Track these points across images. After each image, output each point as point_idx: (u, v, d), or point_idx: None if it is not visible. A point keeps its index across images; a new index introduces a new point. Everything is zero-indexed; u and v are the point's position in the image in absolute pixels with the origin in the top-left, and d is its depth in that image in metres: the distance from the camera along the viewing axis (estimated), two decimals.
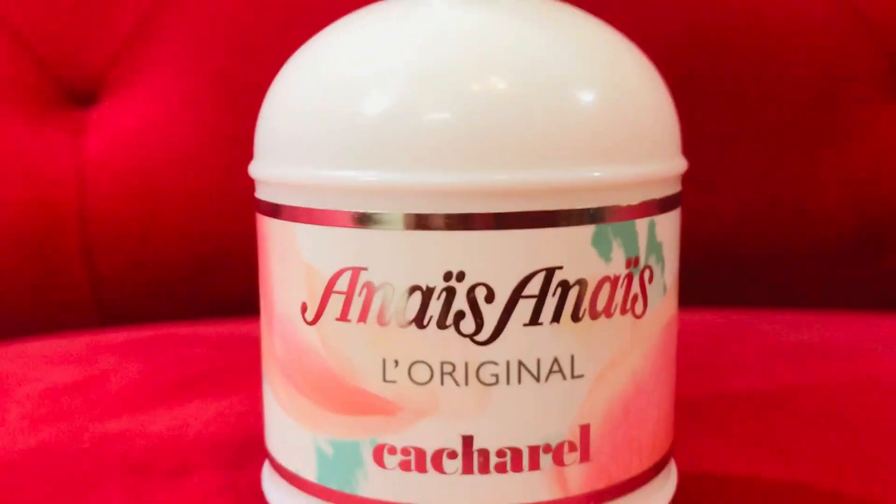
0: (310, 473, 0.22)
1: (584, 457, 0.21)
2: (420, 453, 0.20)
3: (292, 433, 0.22)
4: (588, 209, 0.20)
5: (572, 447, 0.21)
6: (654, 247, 0.21)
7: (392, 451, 0.21)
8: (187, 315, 0.51)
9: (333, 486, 0.21)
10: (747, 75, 0.49)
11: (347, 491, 0.21)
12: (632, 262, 0.21)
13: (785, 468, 0.28)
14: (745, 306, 0.48)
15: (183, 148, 0.51)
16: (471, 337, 0.20)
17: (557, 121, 0.20)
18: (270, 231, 0.22)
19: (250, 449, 0.31)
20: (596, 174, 0.20)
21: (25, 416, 0.35)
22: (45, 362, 0.42)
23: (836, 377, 0.37)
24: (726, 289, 0.50)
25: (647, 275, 0.21)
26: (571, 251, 0.20)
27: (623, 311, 0.21)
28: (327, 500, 0.22)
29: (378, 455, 0.21)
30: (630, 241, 0.21)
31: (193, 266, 0.52)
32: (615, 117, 0.20)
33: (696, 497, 0.26)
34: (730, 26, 0.49)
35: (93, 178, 0.51)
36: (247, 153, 0.51)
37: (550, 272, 0.20)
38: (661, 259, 0.22)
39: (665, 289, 0.22)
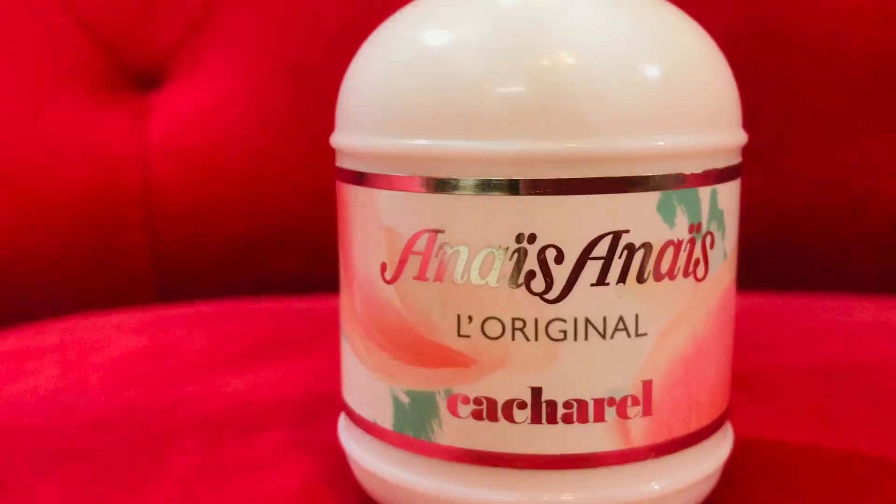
0: (386, 422, 0.23)
1: (647, 411, 0.22)
2: (492, 403, 0.22)
3: (370, 385, 0.23)
4: (654, 176, 0.21)
5: (635, 401, 0.22)
6: (716, 214, 0.22)
7: (465, 400, 0.22)
8: (243, 292, 0.53)
9: (409, 433, 0.23)
10: (807, 60, 0.49)
11: (422, 438, 0.22)
12: (694, 228, 0.22)
13: (839, 438, 0.29)
14: (799, 290, 0.49)
15: (243, 129, 0.53)
16: (540, 295, 0.21)
17: (627, 92, 0.21)
18: (352, 197, 0.23)
19: (319, 408, 0.32)
20: (661, 143, 0.21)
21: (105, 379, 0.37)
22: (118, 332, 0.44)
23: (891, 356, 0.37)
24: (782, 272, 0.51)
25: (708, 240, 0.22)
26: (637, 216, 0.21)
27: (685, 274, 0.22)
28: (402, 446, 0.23)
29: (452, 404, 0.22)
30: (693, 208, 0.22)
31: (251, 244, 0.54)
32: (681, 90, 0.21)
33: (753, 460, 0.27)
34: (792, 11, 0.49)
35: (156, 159, 0.53)
36: (305, 134, 0.53)
37: (617, 235, 0.21)
38: (722, 226, 0.23)
39: (725, 255, 0.23)
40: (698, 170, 0.22)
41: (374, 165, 0.23)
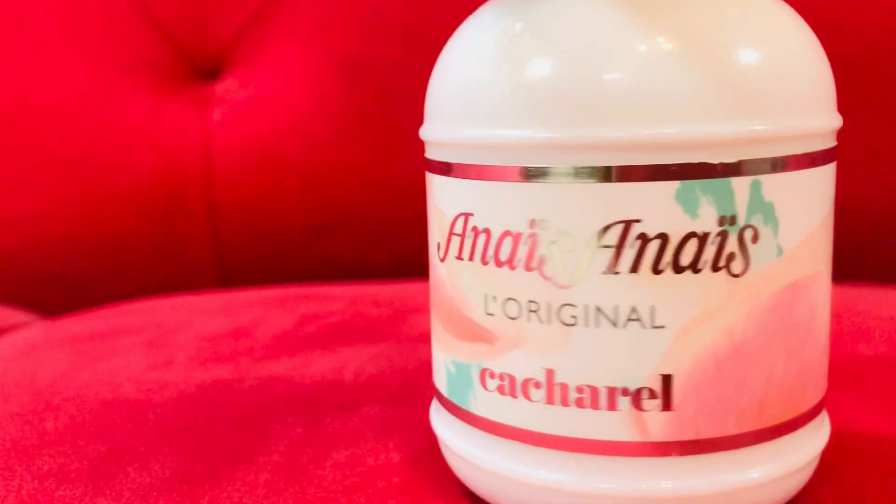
0: (444, 389, 0.25)
1: (666, 406, 0.22)
2: (512, 380, 0.23)
3: (436, 354, 0.26)
4: (670, 165, 0.21)
5: (652, 394, 0.22)
6: (761, 206, 0.22)
7: (492, 375, 0.23)
8: (302, 279, 0.54)
9: (456, 400, 0.25)
10: (851, 50, 0.49)
11: (464, 406, 0.24)
12: (727, 220, 0.21)
13: None
14: (871, 281, 0.49)
15: (302, 119, 0.54)
16: (550, 280, 0.22)
17: (637, 79, 0.21)
18: (426, 183, 0.26)
19: (411, 387, 0.33)
20: (668, 131, 0.21)
21: (192, 357, 0.38)
22: (196, 313, 0.46)
23: None
24: (869, 263, 0.51)
25: (748, 234, 0.22)
26: (651, 205, 0.21)
27: (715, 268, 0.22)
28: (452, 412, 0.25)
29: (482, 377, 0.24)
30: (724, 199, 0.21)
31: (310, 232, 0.55)
32: (701, 73, 0.21)
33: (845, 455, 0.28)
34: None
35: (217, 149, 0.54)
36: (363, 123, 0.54)
37: (628, 224, 0.21)
38: (772, 220, 0.22)
39: (781, 251, 0.22)
40: (729, 159, 0.21)
41: (429, 152, 0.25)
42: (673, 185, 0.21)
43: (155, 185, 0.54)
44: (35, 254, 0.55)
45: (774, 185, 0.22)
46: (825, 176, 0.23)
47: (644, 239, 0.21)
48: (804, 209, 0.22)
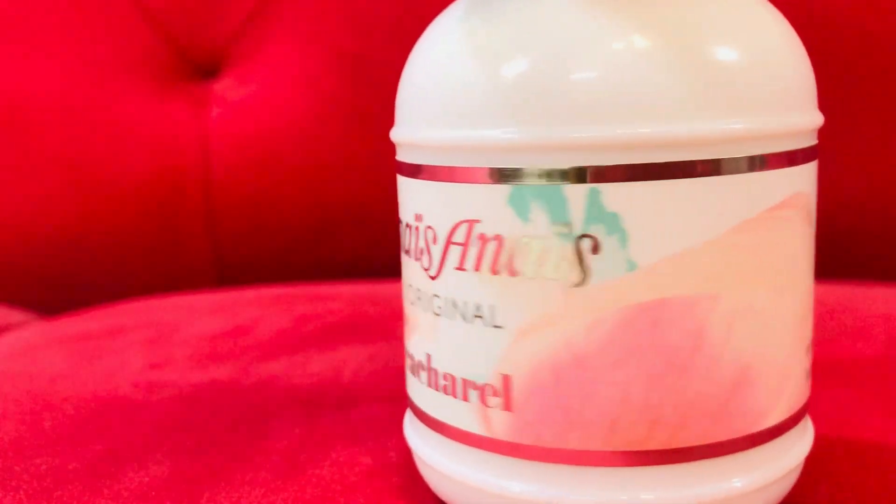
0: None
1: (507, 406, 0.22)
2: (413, 360, 0.25)
3: None
4: (501, 169, 0.21)
5: (495, 392, 0.22)
6: (602, 217, 0.21)
7: (407, 356, 0.26)
8: (300, 278, 0.54)
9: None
10: (857, 51, 0.50)
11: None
12: (560, 228, 0.21)
13: None
14: (868, 279, 0.49)
15: (301, 119, 0.54)
16: (426, 271, 0.23)
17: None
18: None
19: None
20: (489, 132, 0.21)
21: (190, 356, 0.38)
22: (193, 313, 0.46)
23: None
24: (851, 262, 0.51)
25: (587, 244, 0.21)
26: (489, 207, 0.22)
27: (549, 275, 0.21)
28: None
29: (405, 360, 0.26)
30: (556, 206, 0.21)
31: (309, 232, 0.55)
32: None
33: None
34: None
35: (215, 148, 0.54)
36: (362, 122, 0.54)
37: (471, 224, 0.22)
38: (619, 231, 0.21)
39: (634, 266, 0.21)
40: (559, 166, 0.21)
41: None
42: (506, 189, 0.21)
43: (153, 184, 0.54)
44: (32, 253, 0.55)
45: (625, 195, 0.21)
46: (716, 187, 0.21)
47: (483, 239, 0.22)
48: (674, 223, 0.21)
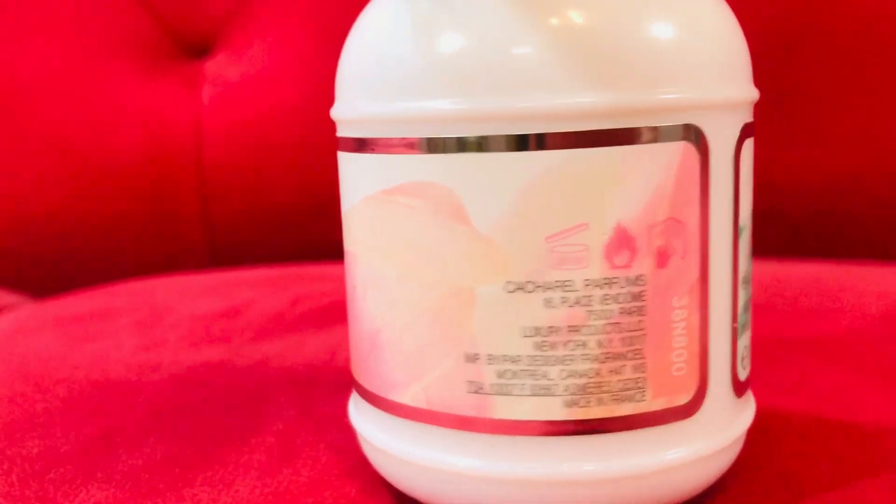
0: None
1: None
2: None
3: None
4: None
5: None
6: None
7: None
8: (293, 259, 0.54)
9: None
10: (855, 35, 0.49)
11: None
12: None
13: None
14: (846, 259, 0.49)
15: (294, 98, 0.54)
16: None
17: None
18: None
19: None
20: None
21: (184, 338, 0.38)
22: (186, 294, 0.45)
23: None
24: (826, 242, 0.51)
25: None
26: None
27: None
28: None
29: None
30: None
31: (303, 213, 0.54)
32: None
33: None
34: None
35: (207, 127, 0.54)
36: None
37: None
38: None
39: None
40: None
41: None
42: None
43: (145, 165, 0.54)
44: (24, 235, 0.54)
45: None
46: (365, 162, 0.23)
47: None
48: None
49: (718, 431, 0.23)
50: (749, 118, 0.23)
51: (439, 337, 0.22)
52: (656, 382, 0.22)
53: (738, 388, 0.24)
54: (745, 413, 0.24)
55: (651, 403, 0.22)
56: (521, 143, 0.21)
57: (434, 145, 0.21)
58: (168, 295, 0.46)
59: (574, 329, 0.21)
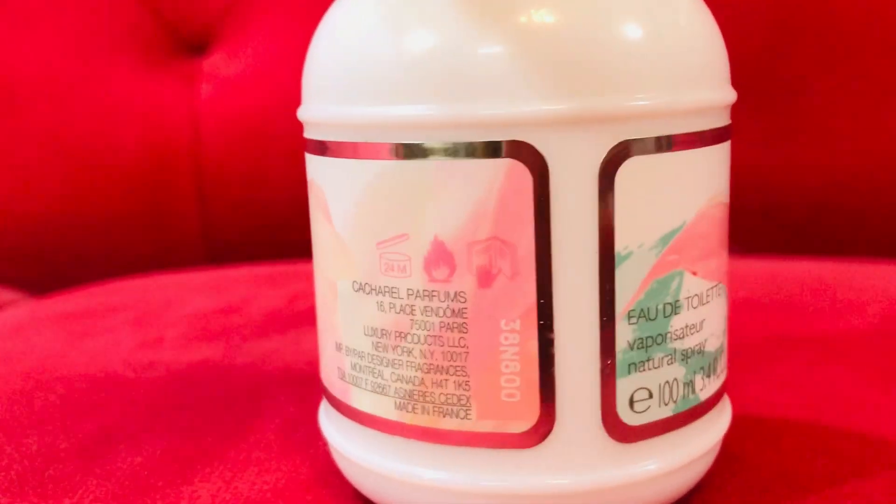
0: None
1: None
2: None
3: None
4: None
5: None
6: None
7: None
8: (290, 256, 0.54)
9: None
10: (851, 32, 0.49)
11: None
12: None
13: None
14: (845, 256, 0.49)
15: (291, 95, 0.53)
16: None
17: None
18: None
19: None
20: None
21: (182, 335, 0.38)
22: (184, 291, 0.45)
23: None
24: (824, 239, 0.51)
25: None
26: None
27: None
28: None
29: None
30: None
31: (300, 209, 0.54)
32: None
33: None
34: None
35: (205, 124, 0.54)
36: None
37: None
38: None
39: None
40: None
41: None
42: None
43: (142, 162, 0.54)
44: (22, 232, 0.54)
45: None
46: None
47: None
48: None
49: (575, 472, 0.21)
50: (636, 135, 0.20)
51: (324, 326, 0.24)
52: (482, 404, 0.21)
53: (621, 432, 0.21)
54: (635, 464, 0.22)
55: (477, 424, 0.21)
56: (362, 150, 0.21)
57: (314, 147, 0.22)
58: (166, 292, 0.46)
59: (400, 335, 0.21)
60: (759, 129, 0.50)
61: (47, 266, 0.55)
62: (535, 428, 0.21)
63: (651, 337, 0.21)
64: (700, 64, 0.21)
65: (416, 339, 0.21)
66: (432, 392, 0.21)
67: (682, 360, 0.22)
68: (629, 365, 0.21)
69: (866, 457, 0.26)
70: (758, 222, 0.51)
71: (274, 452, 0.27)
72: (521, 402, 0.21)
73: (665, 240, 0.21)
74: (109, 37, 0.54)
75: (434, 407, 0.21)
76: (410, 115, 0.20)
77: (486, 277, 0.20)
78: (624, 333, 0.21)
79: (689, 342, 0.22)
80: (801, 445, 0.26)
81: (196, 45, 0.55)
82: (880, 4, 0.49)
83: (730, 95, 0.22)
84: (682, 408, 0.22)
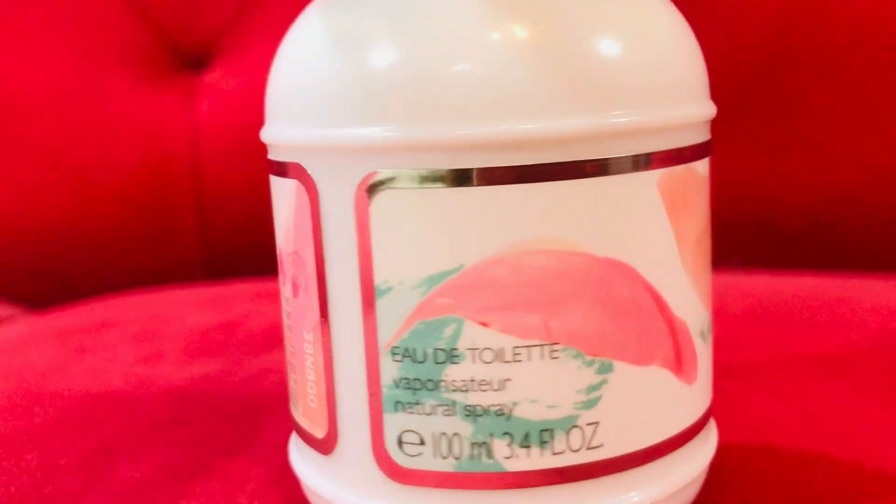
0: None
1: None
2: None
3: None
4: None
5: None
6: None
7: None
8: None
9: None
10: (850, 46, 0.50)
11: None
12: None
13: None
14: (843, 271, 0.49)
15: None
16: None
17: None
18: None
19: None
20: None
21: (181, 350, 0.38)
22: (184, 306, 0.45)
23: None
24: (822, 254, 0.52)
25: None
26: None
27: None
28: None
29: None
30: None
31: None
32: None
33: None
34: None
35: (205, 140, 0.54)
36: None
37: None
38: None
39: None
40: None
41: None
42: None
43: (142, 177, 0.54)
44: (20, 247, 0.54)
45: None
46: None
47: None
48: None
49: (356, 494, 0.21)
50: (393, 166, 0.19)
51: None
52: (302, 402, 0.23)
53: (391, 469, 0.21)
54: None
55: (301, 419, 0.23)
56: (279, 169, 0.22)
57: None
58: (165, 307, 0.46)
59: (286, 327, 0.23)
60: (758, 143, 0.50)
61: (46, 281, 0.55)
62: (327, 438, 0.22)
63: (419, 380, 0.20)
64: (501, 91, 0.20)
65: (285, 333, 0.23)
66: (290, 386, 0.24)
67: (468, 416, 0.20)
68: (395, 402, 0.20)
69: (867, 472, 0.26)
70: (757, 236, 0.51)
71: (274, 468, 0.27)
72: (319, 410, 0.22)
73: (432, 281, 0.19)
74: (109, 52, 0.54)
75: (291, 393, 0.24)
76: (279, 136, 0.22)
77: (295, 287, 0.22)
78: (388, 369, 0.20)
79: (478, 399, 0.20)
80: (801, 460, 0.26)
81: (196, 61, 0.55)
82: (879, 19, 0.49)
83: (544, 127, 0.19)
84: (472, 469, 0.20)
